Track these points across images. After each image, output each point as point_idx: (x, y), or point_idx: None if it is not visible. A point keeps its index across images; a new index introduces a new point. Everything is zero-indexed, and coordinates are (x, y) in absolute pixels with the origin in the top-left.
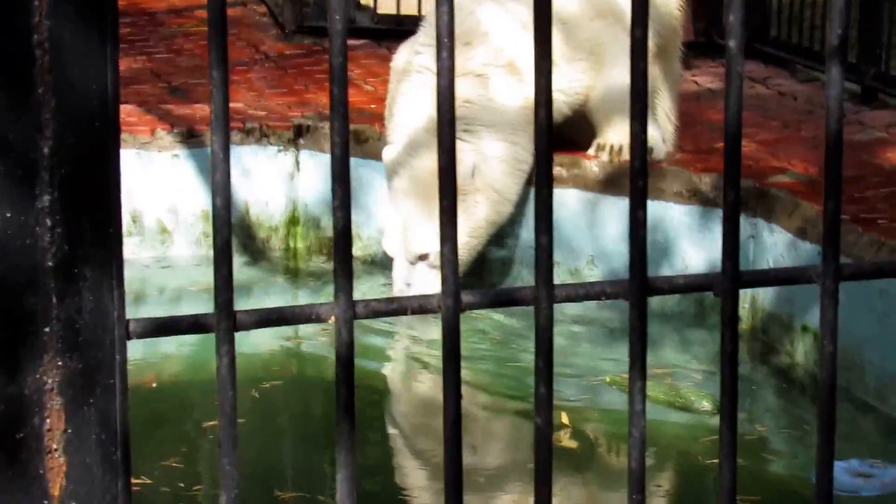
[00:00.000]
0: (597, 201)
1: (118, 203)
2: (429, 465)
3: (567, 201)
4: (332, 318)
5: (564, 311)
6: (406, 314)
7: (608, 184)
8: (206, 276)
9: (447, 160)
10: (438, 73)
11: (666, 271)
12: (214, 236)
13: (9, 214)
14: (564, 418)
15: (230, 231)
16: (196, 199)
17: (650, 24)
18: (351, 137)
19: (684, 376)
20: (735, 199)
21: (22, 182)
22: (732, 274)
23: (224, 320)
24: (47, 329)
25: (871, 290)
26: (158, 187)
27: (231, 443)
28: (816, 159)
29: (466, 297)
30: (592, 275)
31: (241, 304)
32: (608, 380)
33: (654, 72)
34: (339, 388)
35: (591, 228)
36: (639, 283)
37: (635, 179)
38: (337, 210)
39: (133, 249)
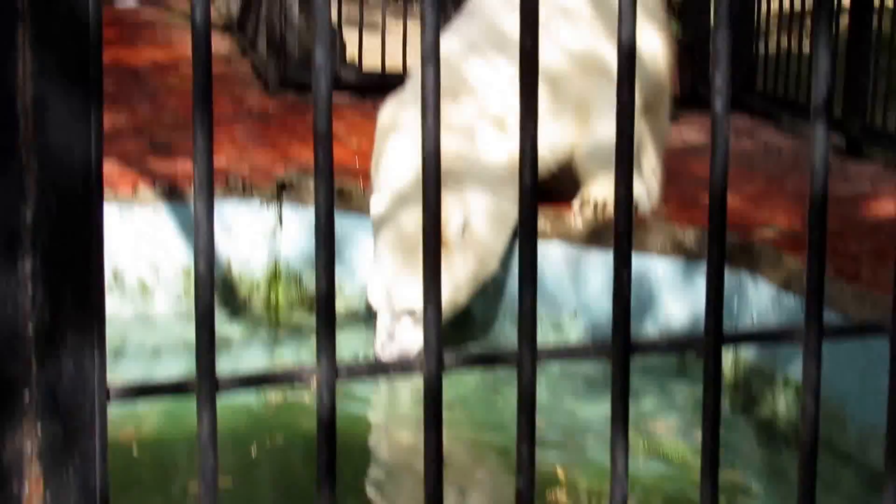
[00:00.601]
0: (580, 255)
1: (101, 267)
2: None
3: (551, 255)
4: (314, 380)
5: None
6: (388, 375)
7: (592, 238)
8: (187, 333)
9: (431, 222)
10: (423, 135)
11: (649, 324)
12: (196, 300)
13: None
14: (560, 474)
15: (213, 295)
16: (177, 255)
17: (637, 80)
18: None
19: (674, 429)
20: (719, 257)
21: (3, 247)
22: (716, 333)
23: (205, 384)
24: (27, 395)
25: (854, 343)
26: (140, 243)
27: None
28: (801, 213)
29: (449, 359)
30: (575, 327)
31: (222, 359)
32: None
33: (641, 127)
34: (321, 451)
35: (575, 282)
36: (622, 343)
37: (620, 241)
38: (320, 273)
39: (114, 306)
